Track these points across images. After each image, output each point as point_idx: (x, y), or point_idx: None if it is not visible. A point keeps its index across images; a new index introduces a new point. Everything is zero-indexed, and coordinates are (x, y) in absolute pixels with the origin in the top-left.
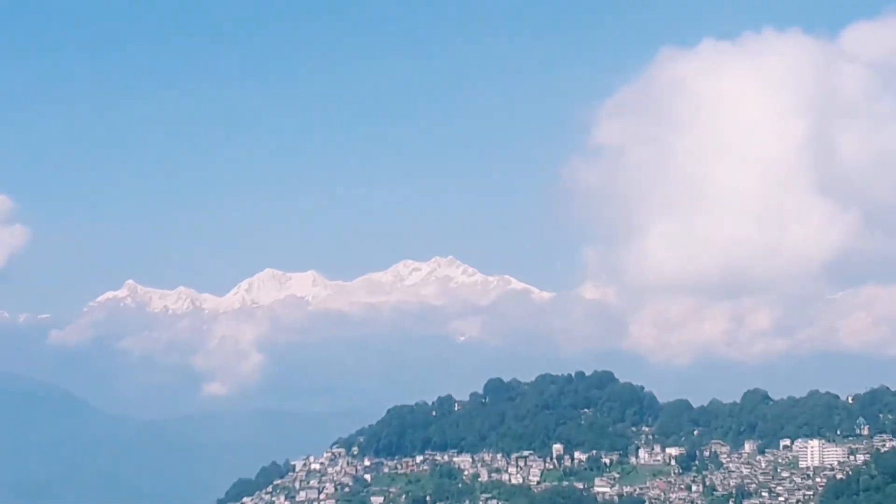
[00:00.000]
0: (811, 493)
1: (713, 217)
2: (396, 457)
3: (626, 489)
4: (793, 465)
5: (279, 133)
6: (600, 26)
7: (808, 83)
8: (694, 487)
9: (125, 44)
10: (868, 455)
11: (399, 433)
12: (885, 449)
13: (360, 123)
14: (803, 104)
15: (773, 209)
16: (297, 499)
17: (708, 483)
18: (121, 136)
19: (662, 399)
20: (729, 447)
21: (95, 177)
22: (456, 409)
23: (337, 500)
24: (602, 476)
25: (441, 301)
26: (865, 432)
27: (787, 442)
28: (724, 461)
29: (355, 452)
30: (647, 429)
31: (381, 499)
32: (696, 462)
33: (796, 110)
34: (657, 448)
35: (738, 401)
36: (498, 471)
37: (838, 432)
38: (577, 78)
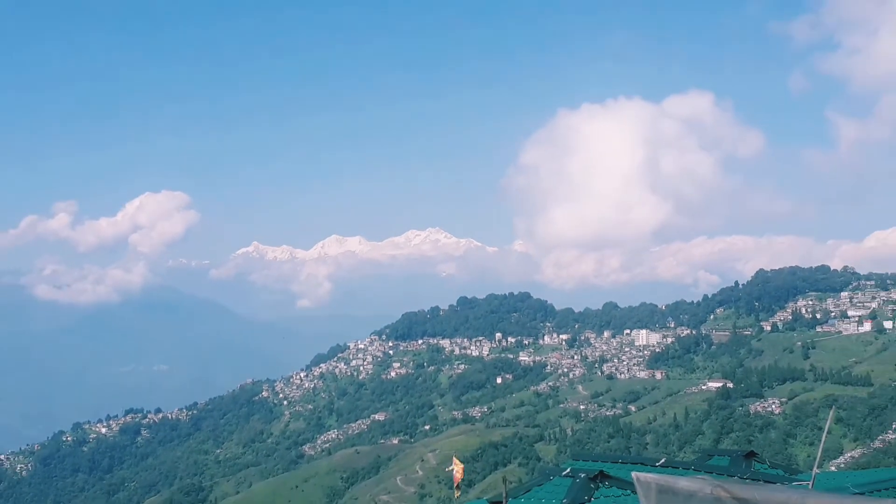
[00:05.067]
0: (642, 359)
1: (589, 203)
2: (407, 341)
3: (538, 358)
4: (631, 344)
5: (337, 151)
6: (525, 95)
7: (644, 129)
8: (576, 357)
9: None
10: (673, 338)
11: (409, 327)
12: (683, 335)
13: (387, 146)
14: (641, 140)
15: (623, 200)
16: (351, 364)
17: (583, 354)
18: (263, 146)
19: (558, 307)
20: (595, 334)
21: (236, 176)
22: (441, 314)
23: (373, 366)
24: (523, 351)
25: (433, 253)
26: (672, 325)
27: (629, 331)
28: (592, 342)
29: (384, 338)
30: (549, 324)
31: (398, 364)
32: (577, 342)
33: (637, 144)
34: (555, 335)
35: (601, 308)
36: (465, 348)
37: (657, 325)
38: (513, 124)
